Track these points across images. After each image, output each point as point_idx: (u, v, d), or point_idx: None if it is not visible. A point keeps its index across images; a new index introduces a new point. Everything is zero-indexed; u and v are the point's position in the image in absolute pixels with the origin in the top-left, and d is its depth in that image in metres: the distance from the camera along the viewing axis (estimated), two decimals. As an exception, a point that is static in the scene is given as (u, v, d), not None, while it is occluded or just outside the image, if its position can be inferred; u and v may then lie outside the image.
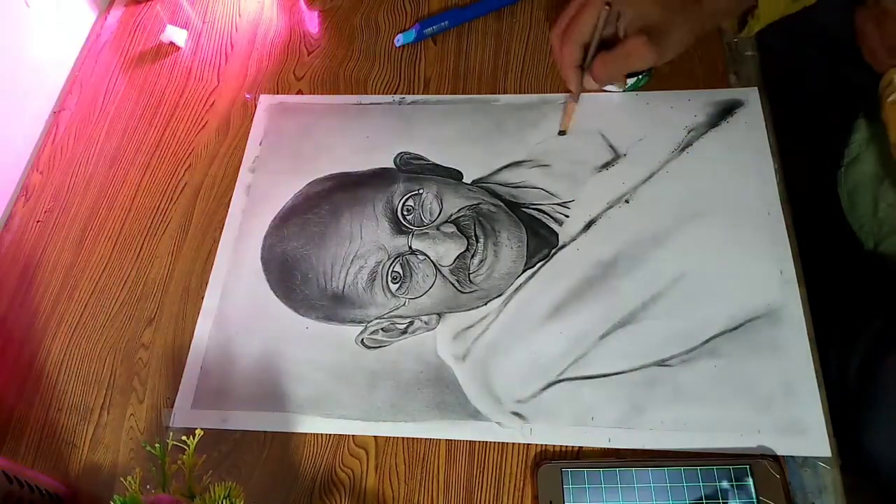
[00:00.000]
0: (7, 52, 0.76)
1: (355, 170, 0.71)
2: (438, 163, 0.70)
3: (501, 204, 0.66)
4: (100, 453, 0.59)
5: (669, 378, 0.56)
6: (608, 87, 0.69)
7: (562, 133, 0.69)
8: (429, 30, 0.78)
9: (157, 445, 0.48)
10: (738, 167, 0.65)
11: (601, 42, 0.63)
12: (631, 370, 0.57)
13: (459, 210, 0.66)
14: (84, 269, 0.69)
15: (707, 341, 0.57)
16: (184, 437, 0.49)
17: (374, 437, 0.57)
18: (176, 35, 0.83)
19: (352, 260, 0.64)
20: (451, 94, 0.75)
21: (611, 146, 0.68)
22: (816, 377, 0.55)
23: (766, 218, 0.62)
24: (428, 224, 0.65)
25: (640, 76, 0.68)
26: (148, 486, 0.48)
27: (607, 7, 0.57)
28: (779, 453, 0.53)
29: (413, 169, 0.70)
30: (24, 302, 0.68)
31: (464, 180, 0.68)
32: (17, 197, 0.75)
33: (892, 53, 0.63)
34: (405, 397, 0.58)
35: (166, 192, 0.73)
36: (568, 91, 0.70)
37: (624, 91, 0.70)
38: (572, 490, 0.52)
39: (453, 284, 0.62)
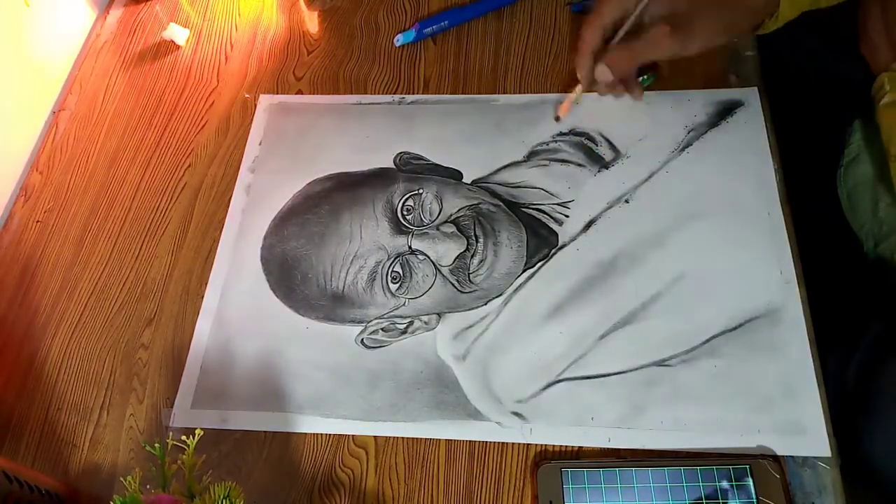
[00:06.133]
0: (7, 52, 0.76)
1: (355, 170, 0.71)
2: (438, 163, 0.70)
3: (501, 204, 0.66)
4: (100, 453, 0.59)
5: (669, 378, 0.56)
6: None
7: (557, 119, 0.70)
8: (429, 30, 0.78)
9: (156, 445, 0.48)
10: (738, 167, 0.65)
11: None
12: (631, 370, 0.57)
13: (459, 210, 0.66)
14: (84, 269, 0.69)
15: (707, 341, 0.57)
16: (184, 437, 0.49)
17: (374, 437, 0.57)
18: (177, 33, 0.83)
19: (352, 260, 0.64)
20: (450, 94, 0.75)
21: (611, 146, 0.68)
22: (816, 377, 0.55)
23: (766, 218, 0.62)
24: (428, 224, 0.65)
25: (646, 76, 0.68)
26: (148, 486, 0.48)
27: None
28: (779, 453, 0.53)
29: (413, 169, 0.70)
30: (24, 302, 0.68)
31: (463, 180, 0.68)
32: (17, 197, 0.75)
33: (895, 46, 0.62)
34: (405, 397, 0.58)
35: (166, 192, 0.73)
36: (565, 92, 0.70)
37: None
38: (572, 490, 0.52)
39: (453, 284, 0.62)
